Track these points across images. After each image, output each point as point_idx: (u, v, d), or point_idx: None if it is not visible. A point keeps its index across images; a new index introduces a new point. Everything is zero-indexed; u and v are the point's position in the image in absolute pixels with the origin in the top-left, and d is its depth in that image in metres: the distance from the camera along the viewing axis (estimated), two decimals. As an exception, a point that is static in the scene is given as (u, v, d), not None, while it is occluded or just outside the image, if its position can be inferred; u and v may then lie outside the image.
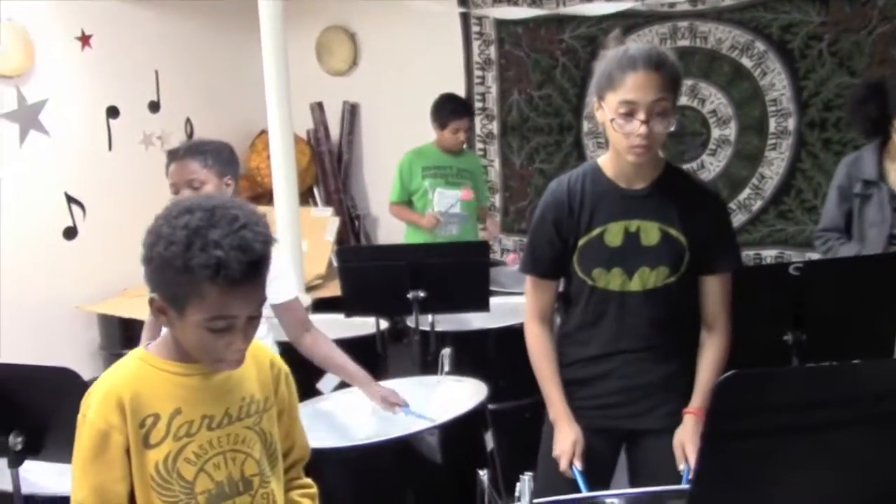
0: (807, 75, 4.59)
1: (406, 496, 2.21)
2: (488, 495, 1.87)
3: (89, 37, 4.94)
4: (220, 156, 2.63)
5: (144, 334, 2.59)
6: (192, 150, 2.59)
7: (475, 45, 5.53)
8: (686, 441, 2.04)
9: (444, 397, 2.53)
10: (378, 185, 5.86)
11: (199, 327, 1.44)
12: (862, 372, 1.17)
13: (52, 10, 4.74)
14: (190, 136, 5.47)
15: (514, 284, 4.14)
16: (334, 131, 6.08)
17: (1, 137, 4.55)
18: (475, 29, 5.51)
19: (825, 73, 4.54)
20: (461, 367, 2.92)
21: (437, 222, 4.31)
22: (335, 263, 4.79)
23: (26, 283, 4.61)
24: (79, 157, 4.92)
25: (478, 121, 5.57)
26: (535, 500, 1.65)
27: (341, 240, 5.67)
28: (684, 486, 1.92)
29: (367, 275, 3.31)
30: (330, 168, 6.03)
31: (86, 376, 1.89)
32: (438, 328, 3.40)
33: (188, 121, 5.56)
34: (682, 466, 2.02)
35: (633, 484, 2.18)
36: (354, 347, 3.56)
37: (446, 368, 2.74)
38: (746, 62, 4.74)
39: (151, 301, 1.47)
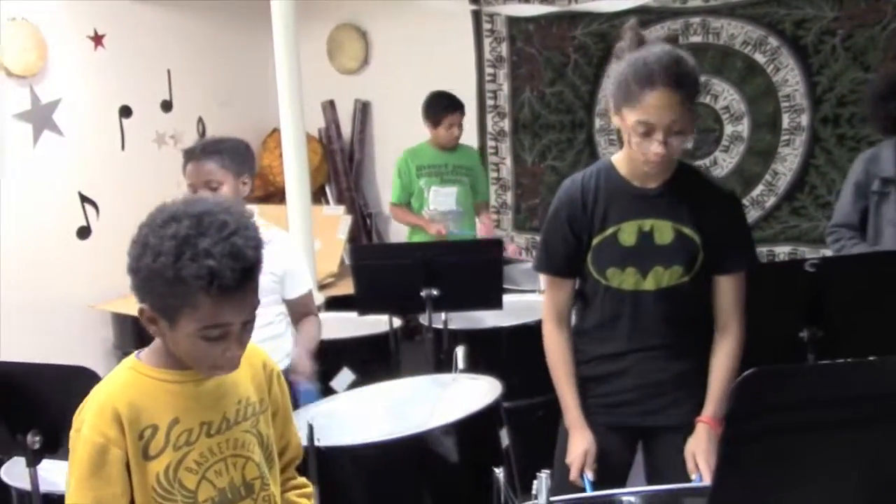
0: (820, 71, 4.56)
1: (422, 494, 2.21)
2: (504, 493, 1.86)
3: (102, 36, 4.96)
4: (237, 155, 2.64)
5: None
6: (208, 150, 2.59)
7: (486, 42, 5.52)
8: (698, 451, 2.03)
9: (458, 395, 2.53)
10: (389, 183, 5.82)
11: (192, 337, 1.40)
12: (885, 368, 1.16)
13: (64, 10, 4.76)
14: (202, 135, 5.48)
15: (528, 282, 4.14)
16: (346, 129, 6.08)
17: (15, 137, 4.57)
18: (487, 26, 5.50)
19: (839, 68, 4.51)
20: (474, 365, 2.91)
21: (441, 229, 4.31)
22: (347, 262, 4.80)
23: (40, 283, 4.63)
24: (92, 156, 4.94)
25: (489, 118, 5.56)
26: (552, 498, 1.65)
27: (353, 238, 5.67)
28: (701, 483, 1.91)
29: (380, 273, 3.31)
30: (342, 166, 6.03)
31: (101, 375, 1.90)
32: (451, 326, 3.40)
33: (200, 120, 5.58)
34: (693, 476, 2.00)
35: (650, 482, 2.17)
36: (368, 346, 3.60)
37: (460, 366, 2.74)
38: (759, 58, 4.71)
39: (141, 312, 1.43)
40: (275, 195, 5.61)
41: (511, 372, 2.72)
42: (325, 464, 2.05)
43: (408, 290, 3.21)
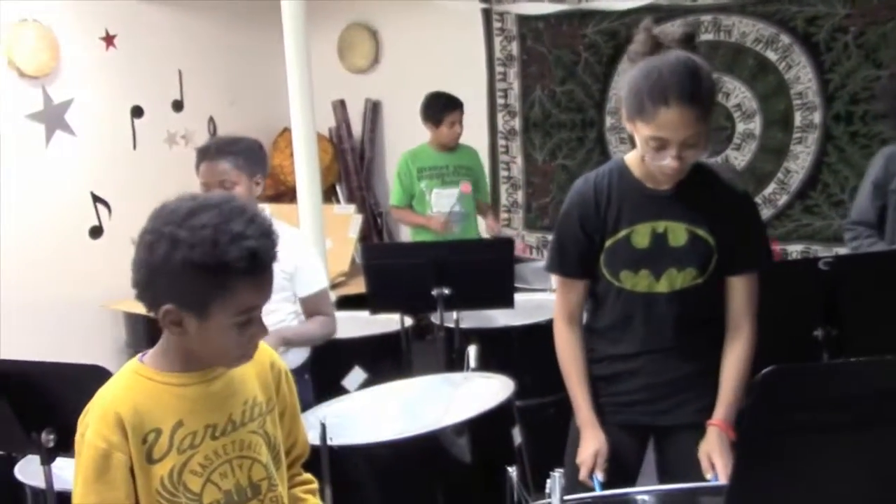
0: (832, 68, 4.54)
1: (434, 492, 2.21)
2: (518, 492, 1.86)
3: (113, 37, 4.98)
4: (252, 155, 2.63)
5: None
6: (223, 149, 2.58)
7: (497, 41, 5.51)
8: (713, 452, 2.00)
9: (471, 393, 2.52)
10: (400, 182, 5.87)
11: (224, 327, 1.40)
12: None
13: (76, 11, 4.78)
14: (213, 134, 5.49)
15: (539, 281, 4.13)
16: (356, 129, 6.08)
17: (27, 138, 4.60)
18: (497, 25, 5.49)
19: (851, 65, 4.48)
20: (486, 364, 2.90)
21: (445, 224, 4.30)
22: (358, 261, 4.80)
23: (53, 283, 4.66)
24: (104, 156, 4.96)
25: (500, 117, 5.56)
26: (566, 497, 1.64)
27: (364, 237, 5.68)
28: (717, 482, 1.90)
29: (391, 272, 3.31)
30: (352, 165, 6.03)
31: (114, 374, 1.90)
32: (463, 325, 3.40)
33: (211, 119, 5.59)
34: (709, 476, 1.99)
35: (661, 481, 2.16)
36: (379, 345, 3.60)
37: (472, 365, 2.74)
38: (771, 55, 4.69)
39: (166, 313, 1.41)
40: (285, 194, 5.62)
41: (523, 371, 2.71)
42: (337, 463, 2.05)
43: (419, 289, 3.22)
